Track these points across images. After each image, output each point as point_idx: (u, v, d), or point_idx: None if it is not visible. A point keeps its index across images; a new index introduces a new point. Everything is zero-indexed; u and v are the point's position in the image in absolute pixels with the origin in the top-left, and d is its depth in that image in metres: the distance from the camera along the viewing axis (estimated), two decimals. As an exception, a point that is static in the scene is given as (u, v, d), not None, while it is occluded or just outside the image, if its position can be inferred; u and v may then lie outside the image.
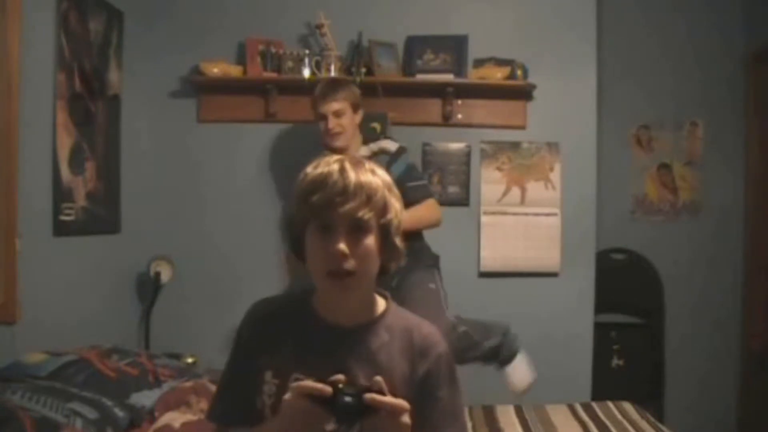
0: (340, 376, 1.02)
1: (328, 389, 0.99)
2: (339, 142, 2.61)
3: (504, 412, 2.54)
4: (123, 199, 3.01)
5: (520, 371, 2.72)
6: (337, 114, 2.61)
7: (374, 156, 2.62)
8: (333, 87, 2.65)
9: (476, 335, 2.65)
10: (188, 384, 2.12)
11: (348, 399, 0.98)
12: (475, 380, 2.68)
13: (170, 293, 3.11)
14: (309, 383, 1.00)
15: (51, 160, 2.42)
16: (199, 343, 3.11)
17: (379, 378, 1.02)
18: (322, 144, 2.65)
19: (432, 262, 2.74)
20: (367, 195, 1.10)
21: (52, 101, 2.43)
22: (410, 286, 2.54)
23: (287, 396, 1.03)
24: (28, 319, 2.21)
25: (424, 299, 2.52)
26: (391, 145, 2.72)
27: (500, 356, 2.72)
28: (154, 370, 2.17)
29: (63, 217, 2.48)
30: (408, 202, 2.39)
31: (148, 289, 3.08)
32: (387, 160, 2.62)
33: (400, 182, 2.37)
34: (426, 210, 2.65)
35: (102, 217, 2.81)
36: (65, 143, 2.50)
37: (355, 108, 2.67)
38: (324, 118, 2.62)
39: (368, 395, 0.99)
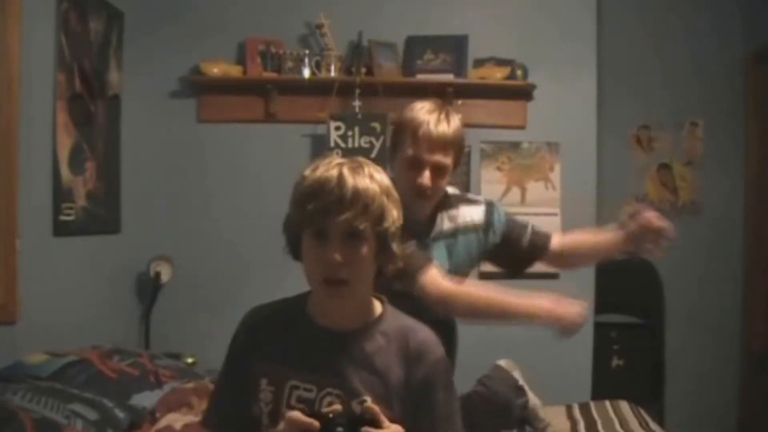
0: (337, 407, 1.02)
1: (317, 425, 0.98)
2: (425, 200, 1.77)
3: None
4: (123, 199, 3.01)
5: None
6: (439, 168, 1.72)
7: (458, 234, 1.86)
8: (448, 123, 1.73)
9: None
10: (189, 385, 2.12)
11: (340, 430, 0.98)
12: (473, 381, 2.69)
13: (170, 293, 3.11)
14: (299, 417, 1.00)
15: (51, 160, 2.42)
16: (199, 343, 3.11)
17: (372, 406, 1.02)
18: (405, 186, 1.68)
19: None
20: (364, 204, 1.09)
21: (52, 101, 2.43)
22: None
23: (280, 427, 1.03)
24: (28, 319, 2.21)
25: None
26: (476, 212, 1.89)
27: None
28: (155, 371, 2.17)
29: (63, 217, 2.48)
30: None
31: (148, 289, 3.08)
32: (476, 236, 1.88)
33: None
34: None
35: (102, 217, 2.81)
36: (65, 143, 2.50)
37: (456, 163, 1.79)
38: (419, 164, 1.71)
39: (364, 429, 0.98)
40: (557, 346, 3.17)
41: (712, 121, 3.74)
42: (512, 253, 1.94)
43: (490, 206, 1.92)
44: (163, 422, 1.89)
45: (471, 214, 1.88)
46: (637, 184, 3.78)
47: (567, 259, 2.01)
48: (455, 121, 1.74)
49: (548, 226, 3.18)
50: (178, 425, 1.87)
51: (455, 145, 1.74)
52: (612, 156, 3.65)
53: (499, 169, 3.25)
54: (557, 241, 1.98)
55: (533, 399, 2.41)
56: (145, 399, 2.01)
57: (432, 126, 1.69)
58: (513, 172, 3.24)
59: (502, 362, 2.47)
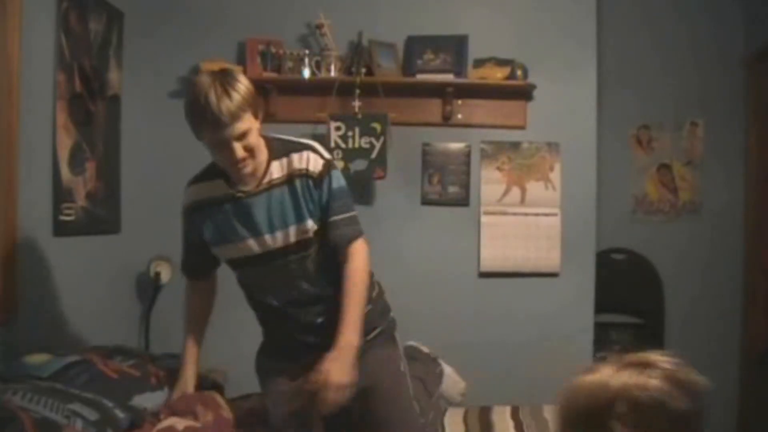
0: None
1: None
2: (248, 168, 1.78)
3: (500, 413, 2.54)
4: (123, 199, 3.01)
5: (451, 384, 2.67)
6: (243, 136, 1.72)
7: (294, 180, 1.84)
8: (229, 96, 1.67)
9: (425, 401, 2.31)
10: (197, 393, 2.08)
11: None
12: (474, 382, 2.69)
13: (170, 293, 3.11)
14: None
15: (51, 160, 2.42)
16: (199, 343, 3.11)
17: None
18: (226, 166, 1.80)
19: (393, 326, 2.08)
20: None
21: (52, 101, 2.43)
22: (377, 368, 1.95)
23: None
24: (28, 319, 2.21)
25: (394, 390, 2.00)
26: (313, 163, 1.84)
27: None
28: (157, 372, 2.17)
29: (63, 217, 2.47)
30: (333, 244, 1.88)
31: (148, 289, 3.08)
32: (307, 183, 1.84)
33: (327, 211, 1.86)
34: (365, 262, 1.90)
35: (102, 217, 2.81)
36: (65, 143, 2.50)
37: (256, 114, 1.77)
38: (224, 145, 1.71)
39: None
40: (557, 346, 3.19)
41: (712, 121, 3.74)
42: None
43: (329, 164, 1.87)
44: (165, 423, 1.88)
45: (307, 165, 1.85)
46: (637, 184, 3.79)
47: None
48: (236, 90, 1.68)
49: (548, 225, 3.23)
50: (180, 426, 1.86)
51: (248, 103, 1.70)
52: (612, 156, 3.66)
53: (499, 169, 3.25)
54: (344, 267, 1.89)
55: (446, 366, 2.66)
56: (146, 400, 2.01)
57: (213, 104, 1.65)
58: (513, 172, 3.25)
59: (413, 343, 2.69)
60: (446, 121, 3.22)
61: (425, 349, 2.69)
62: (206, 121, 1.67)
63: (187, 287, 2.13)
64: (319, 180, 1.84)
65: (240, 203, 1.85)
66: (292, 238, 1.85)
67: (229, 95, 1.66)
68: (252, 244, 1.86)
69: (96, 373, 2.01)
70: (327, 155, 1.89)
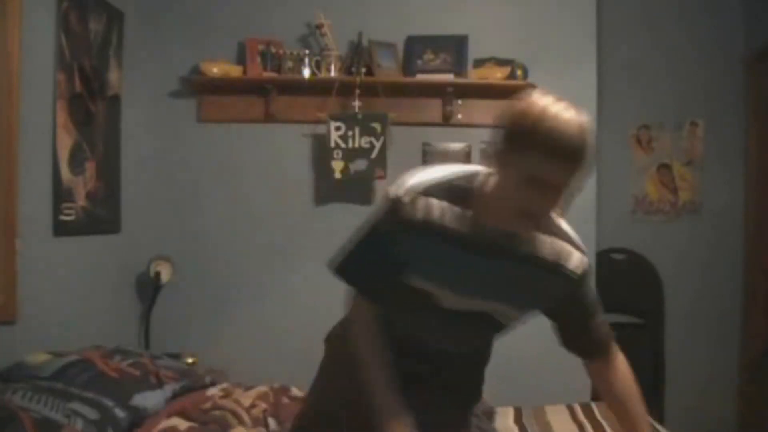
0: None
1: None
2: (530, 228, 1.43)
3: (503, 414, 2.54)
4: (123, 199, 3.01)
5: None
6: (562, 191, 1.35)
7: (557, 271, 1.48)
8: (587, 140, 1.37)
9: None
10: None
11: None
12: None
13: (170, 293, 3.11)
14: None
15: (51, 160, 2.42)
16: (199, 343, 3.12)
17: None
18: (514, 204, 1.34)
19: None
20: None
21: (52, 101, 2.43)
22: None
23: None
24: (28, 319, 2.22)
25: None
26: (577, 263, 1.49)
27: None
28: (157, 372, 2.17)
29: (63, 217, 2.47)
30: (592, 346, 1.64)
31: (148, 289, 3.08)
32: (563, 283, 1.49)
33: (584, 312, 1.59)
34: (629, 370, 1.72)
35: (102, 217, 2.81)
36: (65, 143, 2.50)
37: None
38: (545, 189, 1.32)
39: None
40: (558, 346, 3.19)
41: (712, 121, 3.74)
42: (568, 322, 1.63)
43: (587, 267, 1.52)
44: (167, 423, 1.88)
45: (574, 258, 1.49)
46: (637, 184, 3.79)
47: (604, 391, 1.74)
48: (589, 129, 1.38)
49: (548, 226, 3.22)
50: (182, 427, 1.86)
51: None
52: (612, 156, 3.66)
53: (499, 169, 3.24)
54: (613, 366, 1.69)
55: None
56: (146, 399, 2.01)
57: (579, 142, 1.34)
58: (513, 172, 3.24)
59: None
60: (446, 121, 3.22)
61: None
62: (557, 152, 1.31)
63: (364, 316, 1.54)
64: (579, 282, 1.51)
65: (481, 255, 1.43)
66: (494, 315, 1.57)
67: (588, 139, 1.37)
68: (449, 296, 1.48)
69: (96, 372, 2.01)
70: (585, 249, 1.54)
